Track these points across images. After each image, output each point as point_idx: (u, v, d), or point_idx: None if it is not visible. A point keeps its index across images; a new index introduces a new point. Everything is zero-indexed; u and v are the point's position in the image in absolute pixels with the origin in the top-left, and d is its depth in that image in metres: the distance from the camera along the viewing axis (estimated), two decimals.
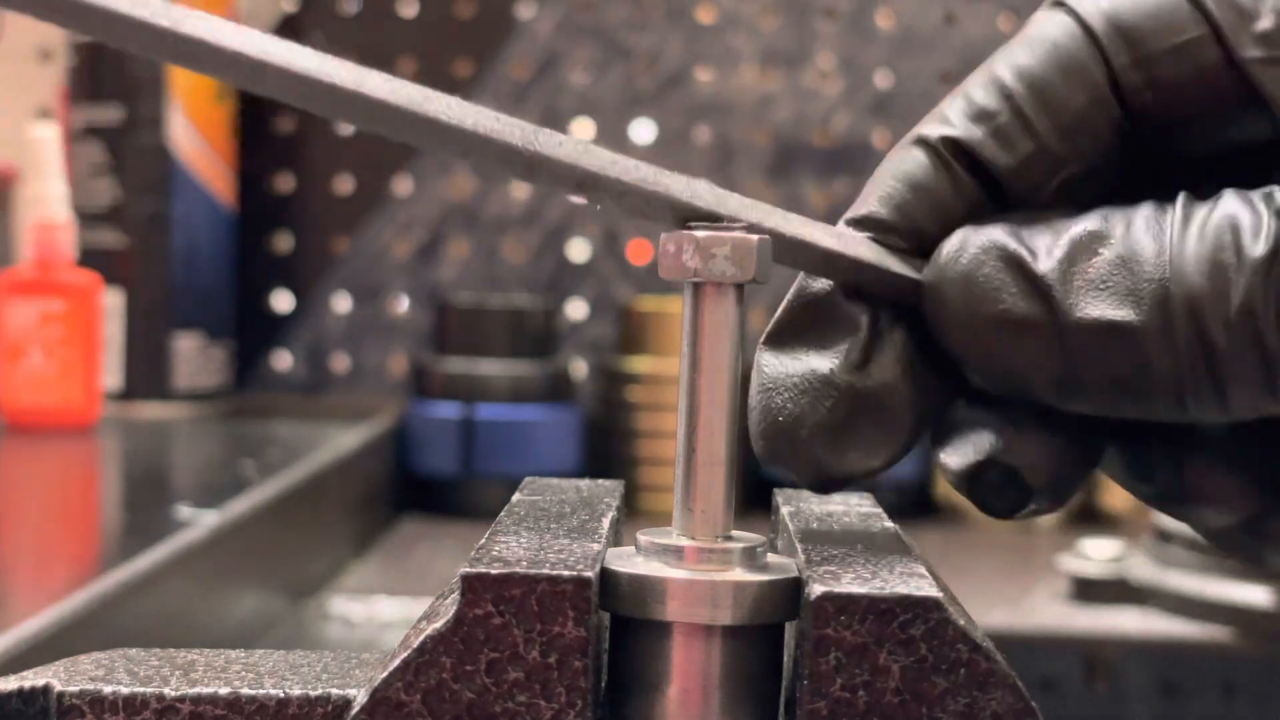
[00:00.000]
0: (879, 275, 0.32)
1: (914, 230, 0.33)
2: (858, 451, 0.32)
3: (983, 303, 0.31)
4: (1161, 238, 0.31)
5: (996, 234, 0.32)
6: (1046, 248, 0.31)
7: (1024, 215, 0.32)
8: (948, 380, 0.33)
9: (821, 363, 0.32)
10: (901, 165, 0.33)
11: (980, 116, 0.33)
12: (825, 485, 0.32)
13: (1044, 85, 0.33)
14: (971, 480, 0.32)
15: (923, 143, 0.33)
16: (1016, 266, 0.31)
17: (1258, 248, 0.30)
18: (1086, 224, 0.31)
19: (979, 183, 0.33)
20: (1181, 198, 0.31)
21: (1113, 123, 0.33)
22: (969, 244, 0.32)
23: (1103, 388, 0.31)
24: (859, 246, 0.32)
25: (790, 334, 0.33)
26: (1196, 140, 0.33)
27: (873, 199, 0.33)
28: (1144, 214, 0.31)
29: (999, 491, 0.32)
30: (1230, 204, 0.31)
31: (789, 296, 0.33)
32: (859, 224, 0.33)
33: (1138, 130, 0.33)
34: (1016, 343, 0.31)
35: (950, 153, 0.33)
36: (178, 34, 0.28)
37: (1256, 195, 0.31)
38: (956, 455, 0.33)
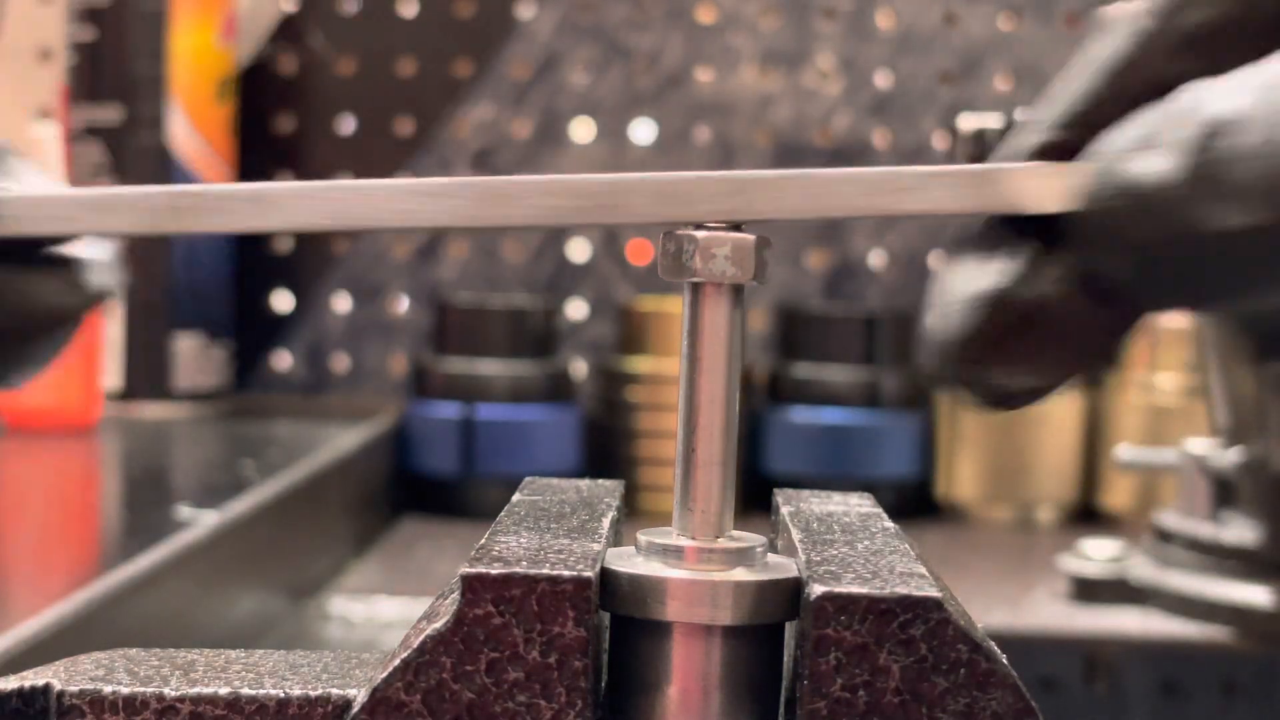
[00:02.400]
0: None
1: (1092, 133, 0.30)
2: (1020, 367, 0.31)
3: (1109, 232, 0.29)
4: None
5: (1117, 143, 0.29)
6: (1175, 145, 0.27)
7: (1171, 98, 0.28)
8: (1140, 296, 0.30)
9: (984, 277, 0.31)
10: (1084, 60, 0.30)
11: None
12: (995, 402, 0.31)
13: None
14: None
15: (1108, 27, 0.30)
16: (1132, 186, 0.28)
17: None
18: (1224, 102, 0.27)
19: (1177, 58, 0.30)
20: None
21: None
22: (1087, 167, 0.29)
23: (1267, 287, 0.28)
24: (997, 190, 0.30)
25: (965, 251, 0.32)
26: None
27: (1053, 105, 0.31)
28: None
29: None
30: None
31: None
32: (1038, 130, 0.31)
33: None
34: (1158, 265, 0.28)
35: (1137, 32, 0.30)
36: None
37: None
38: None
